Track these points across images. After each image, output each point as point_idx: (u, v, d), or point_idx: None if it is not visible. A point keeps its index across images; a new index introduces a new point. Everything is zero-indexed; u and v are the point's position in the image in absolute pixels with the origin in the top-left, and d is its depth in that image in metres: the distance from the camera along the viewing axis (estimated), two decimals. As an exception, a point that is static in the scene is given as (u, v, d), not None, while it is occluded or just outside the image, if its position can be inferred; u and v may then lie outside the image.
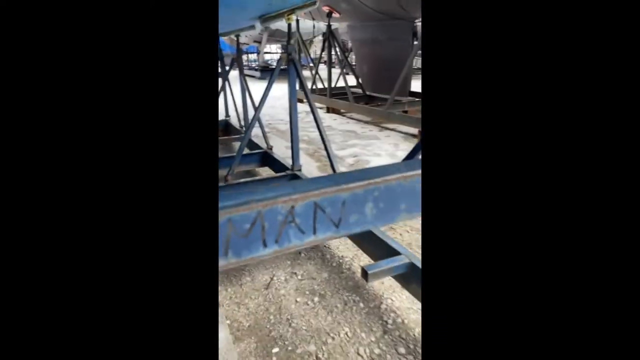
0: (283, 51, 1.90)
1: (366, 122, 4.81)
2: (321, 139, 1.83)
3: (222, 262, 0.36)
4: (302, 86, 1.94)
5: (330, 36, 5.34)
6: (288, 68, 1.90)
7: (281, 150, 3.27)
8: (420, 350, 1.15)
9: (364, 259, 1.62)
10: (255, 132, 2.65)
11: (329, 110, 5.55)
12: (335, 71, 5.68)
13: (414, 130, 4.05)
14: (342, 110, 5.47)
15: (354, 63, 6.39)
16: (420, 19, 4.60)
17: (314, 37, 10.09)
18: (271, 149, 2.67)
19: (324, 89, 5.76)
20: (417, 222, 1.99)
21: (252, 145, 2.80)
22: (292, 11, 1.68)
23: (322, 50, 5.71)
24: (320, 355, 1.13)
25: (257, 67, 13.14)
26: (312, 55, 9.36)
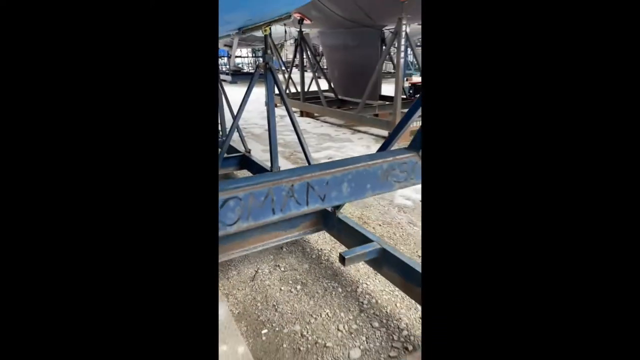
0: (261, 59, 2.02)
1: (339, 126, 5.00)
2: (298, 139, 1.97)
3: (244, 224, 0.49)
4: (280, 92, 2.07)
5: (302, 42, 5.51)
6: (265, 75, 2.03)
7: (258, 154, 3.37)
8: (391, 324, 1.31)
9: (341, 250, 1.77)
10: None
11: (303, 114, 5.70)
12: (307, 75, 5.86)
13: (385, 133, 4.28)
14: (315, 114, 5.63)
15: (325, 67, 6.58)
16: (387, 27, 4.86)
17: (285, 41, 10.24)
18: (249, 152, 2.78)
19: (297, 93, 5.91)
20: (389, 217, 2.17)
21: (230, 148, 2.89)
22: (269, 23, 1.82)
23: (295, 55, 5.87)
24: (304, 333, 1.27)
25: (227, 72, 13.09)
26: (284, 59, 9.52)
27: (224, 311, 0.92)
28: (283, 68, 6.88)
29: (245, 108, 2.14)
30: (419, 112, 1.02)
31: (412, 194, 2.52)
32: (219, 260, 1.59)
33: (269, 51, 2.01)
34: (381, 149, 0.94)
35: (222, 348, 0.80)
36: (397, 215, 2.20)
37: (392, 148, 0.85)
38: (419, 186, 2.68)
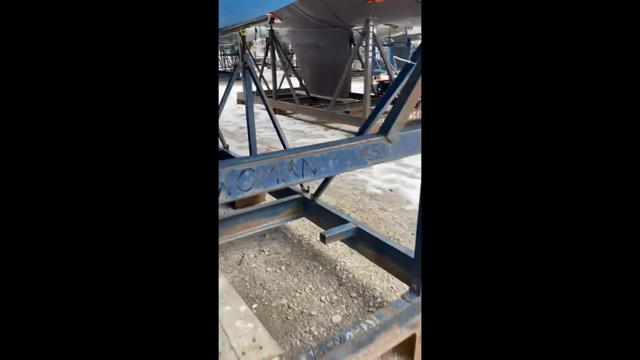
0: (229, 57, 2.13)
1: (312, 122, 5.15)
2: (276, 132, 2.11)
3: (257, 191, 0.63)
4: (258, 90, 2.20)
5: (273, 41, 5.61)
6: (244, 74, 2.14)
7: (233, 150, 3.46)
8: (367, 293, 1.49)
9: (319, 238, 1.93)
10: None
11: (275, 111, 5.80)
12: (278, 72, 5.96)
13: (356, 129, 4.49)
14: (288, 111, 5.75)
15: (295, 65, 6.71)
16: (355, 27, 5.07)
17: (255, 39, 10.25)
18: (227, 147, 2.87)
19: (269, 91, 6.00)
20: (362, 205, 2.35)
21: (208, 145, 2.95)
22: (247, 25, 1.94)
23: (266, 54, 5.95)
24: (291, 305, 1.42)
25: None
26: (253, 57, 9.55)
27: (224, 281, 1.05)
28: (253, 66, 6.94)
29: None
30: (384, 109, 1.21)
31: (381, 184, 2.73)
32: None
33: (247, 51, 2.12)
34: (360, 133, 1.11)
35: (227, 308, 0.93)
36: (369, 202, 2.40)
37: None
38: (388, 177, 2.89)
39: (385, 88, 5.96)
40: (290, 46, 7.85)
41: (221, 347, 0.81)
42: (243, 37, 2.10)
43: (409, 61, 0.98)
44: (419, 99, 0.89)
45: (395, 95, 1.18)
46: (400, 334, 1.09)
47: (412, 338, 1.12)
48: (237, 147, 3.83)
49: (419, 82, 0.85)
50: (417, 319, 1.13)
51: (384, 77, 6.95)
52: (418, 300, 1.11)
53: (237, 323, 0.86)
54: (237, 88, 6.89)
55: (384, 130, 0.80)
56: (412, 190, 2.58)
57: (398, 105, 0.84)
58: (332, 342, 0.94)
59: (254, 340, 0.82)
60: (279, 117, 5.56)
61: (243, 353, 0.79)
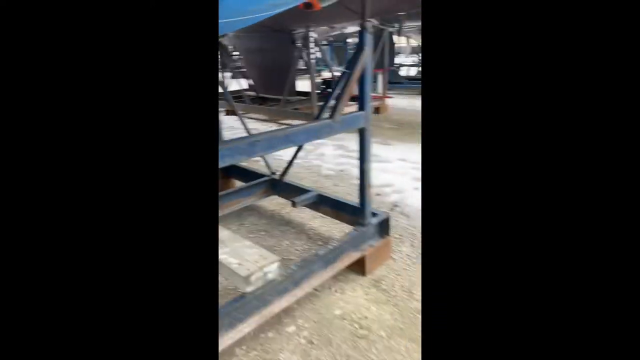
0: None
1: (264, 120, 5.54)
2: (244, 129, 2.51)
3: (264, 153, 1.09)
4: (224, 94, 2.58)
5: (219, 46, 5.87)
6: (210, 81, 2.52)
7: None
8: (328, 245, 1.99)
9: (288, 210, 2.39)
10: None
11: (228, 112, 6.08)
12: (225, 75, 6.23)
13: (305, 123, 4.97)
14: (240, 112, 6.05)
15: (242, 68, 7.01)
16: (296, 31, 5.53)
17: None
18: (195, 147, 3.19)
19: (220, 93, 6.24)
20: (319, 184, 2.85)
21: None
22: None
23: (213, 58, 6.19)
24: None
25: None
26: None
27: (228, 231, 1.46)
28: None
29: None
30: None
31: (333, 167, 3.26)
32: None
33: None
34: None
35: (236, 244, 1.36)
36: (324, 181, 2.91)
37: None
38: (338, 161, 3.42)
39: (329, 84, 6.54)
40: (230, 48, 8.05)
41: (241, 261, 1.24)
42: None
43: (345, 70, 1.48)
44: (351, 95, 1.39)
45: (336, 93, 1.68)
46: (354, 255, 1.60)
47: (362, 259, 1.64)
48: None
49: (350, 84, 1.35)
50: (365, 245, 1.64)
51: (326, 74, 7.53)
52: (363, 230, 1.63)
53: (246, 250, 1.29)
54: (186, 92, 6.94)
55: (331, 116, 1.29)
56: (358, 169, 3.14)
57: (338, 100, 1.34)
58: (310, 257, 1.42)
59: (260, 255, 1.26)
60: (232, 118, 5.85)
61: (256, 261, 1.23)
